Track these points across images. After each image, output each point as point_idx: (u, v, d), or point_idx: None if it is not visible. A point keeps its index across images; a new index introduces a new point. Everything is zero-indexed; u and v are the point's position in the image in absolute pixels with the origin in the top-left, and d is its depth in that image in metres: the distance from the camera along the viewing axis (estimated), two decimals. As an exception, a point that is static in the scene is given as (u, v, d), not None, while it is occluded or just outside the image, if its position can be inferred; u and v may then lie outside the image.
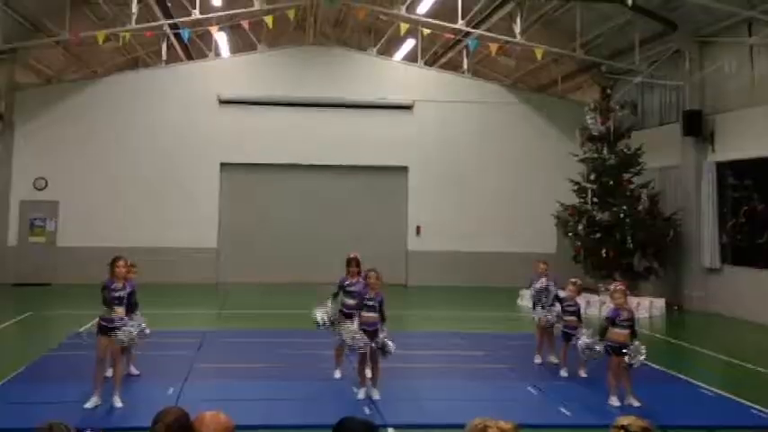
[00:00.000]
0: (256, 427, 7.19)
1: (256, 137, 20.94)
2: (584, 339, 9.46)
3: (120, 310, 8.19)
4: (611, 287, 9.18)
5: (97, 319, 8.31)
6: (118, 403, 7.95)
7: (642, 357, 8.54)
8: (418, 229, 21.45)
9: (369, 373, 8.92)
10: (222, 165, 20.98)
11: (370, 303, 8.71)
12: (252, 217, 21.09)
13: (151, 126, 20.70)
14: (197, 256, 20.33)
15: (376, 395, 8.57)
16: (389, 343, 8.63)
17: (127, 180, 20.34)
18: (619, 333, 8.63)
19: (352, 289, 9.41)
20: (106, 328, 8.12)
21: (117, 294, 8.19)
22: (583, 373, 9.97)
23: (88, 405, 7.86)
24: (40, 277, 19.40)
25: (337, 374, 9.50)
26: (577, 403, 8.56)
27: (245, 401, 8.10)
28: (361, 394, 8.67)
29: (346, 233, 20.19)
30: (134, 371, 9.46)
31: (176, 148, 20.69)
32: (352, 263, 9.69)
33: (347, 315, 9.21)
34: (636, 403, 8.40)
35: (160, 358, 10.33)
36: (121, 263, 8.35)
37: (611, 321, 8.67)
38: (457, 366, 10.62)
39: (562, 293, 10.77)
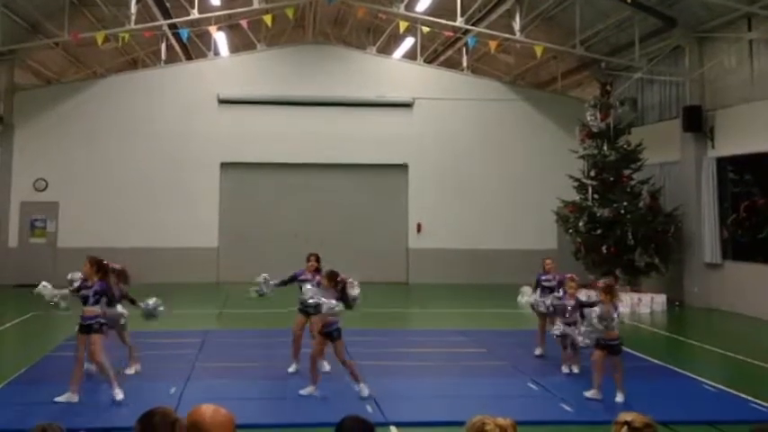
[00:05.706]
0: (259, 426, 7.20)
1: (256, 136, 20.92)
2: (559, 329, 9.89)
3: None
4: (600, 283, 9.53)
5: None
6: (118, 396, 8.14)
7: None
8: (419, 227, 21.43)
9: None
10: (222, 164, 20.98)
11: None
12: (252, 216, 21.08)
13: (151, 126, 20.68)
14: (197, 255, 20.32)
15: (364, 392, 8.44)
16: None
17: (127, 180, 20.34)
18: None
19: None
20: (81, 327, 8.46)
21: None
22: (575, 369, 9.96)
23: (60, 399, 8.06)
24: (41, 278, 19.09)
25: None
26: (578, 399, 8.55)
27: (247, 400, 8.13)
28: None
29: (347, 231, 20.18)
30: (129, 371, 9.43)
31: (176, 148, 20.68)
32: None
33: None
34: (596, 396, 8.50)
35: (162, 358, 10.38)
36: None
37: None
38: (458, 364, 10.62)
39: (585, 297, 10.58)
